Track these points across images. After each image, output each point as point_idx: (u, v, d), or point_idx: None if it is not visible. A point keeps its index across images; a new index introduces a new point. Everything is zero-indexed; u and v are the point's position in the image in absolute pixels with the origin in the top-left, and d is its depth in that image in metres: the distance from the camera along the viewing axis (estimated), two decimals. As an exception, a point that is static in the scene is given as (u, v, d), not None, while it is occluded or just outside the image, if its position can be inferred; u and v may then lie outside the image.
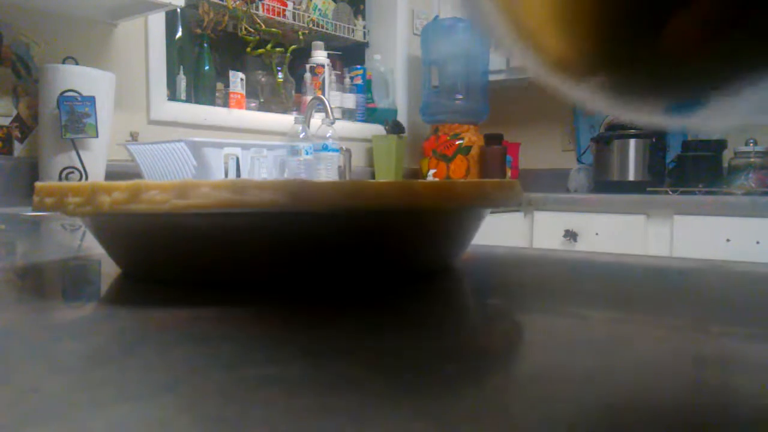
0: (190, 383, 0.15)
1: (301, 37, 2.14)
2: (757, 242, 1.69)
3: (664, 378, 0.16)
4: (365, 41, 2.47)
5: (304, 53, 2.16)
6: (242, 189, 0.26)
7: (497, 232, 1.93)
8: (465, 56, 2.22)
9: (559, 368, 0.17)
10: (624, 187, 2.14)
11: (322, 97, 1.88)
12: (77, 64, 1.40)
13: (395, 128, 2.28)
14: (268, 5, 2.02)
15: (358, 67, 2.35)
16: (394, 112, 2.46)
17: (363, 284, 0.30)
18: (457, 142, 2.26)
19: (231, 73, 1.91)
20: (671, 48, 0.15)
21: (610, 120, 2.26)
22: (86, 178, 1.34)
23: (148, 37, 1.69)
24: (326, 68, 2.14)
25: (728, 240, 1.74)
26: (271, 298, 0.27)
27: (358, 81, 2.35)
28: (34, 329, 0.21)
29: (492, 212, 0.45)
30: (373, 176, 2.32)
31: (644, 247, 1.88)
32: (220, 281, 0.30)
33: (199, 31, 1.89)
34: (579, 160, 2.52)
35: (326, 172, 1.70)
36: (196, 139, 1.25)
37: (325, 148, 1.72)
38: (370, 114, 2.39)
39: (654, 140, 2.11)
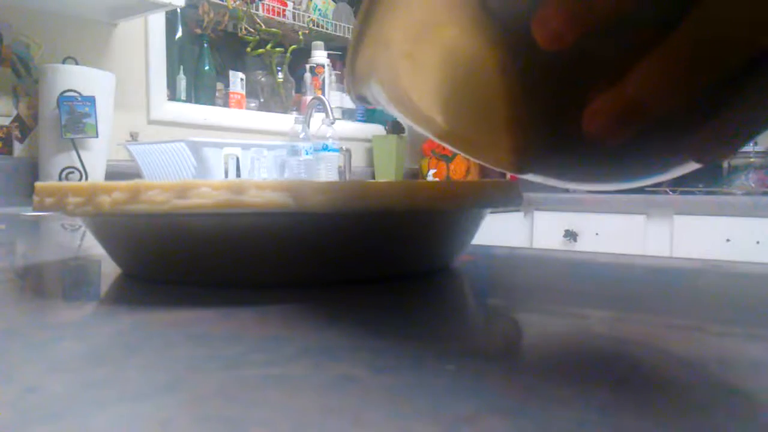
0: (191, 383, 0.15)
1: (301, 37, 2.13)
2: (757, 242, 1.69)
3: (664, 378, 0.16)
4: (365, 41, 2.47)
5: (304, 53, 2.16)
6: (242, 189, 0.26)
7: (497, 232, 1.93)
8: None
9: (558, 368, 0.17)
10: (624, 187, 2.14)
11: (322, 97, 1.88)
12: (77, 64, 1.40)
13: (395, 128, 2.28)
14: (268, 5, 2.02)
15: (358, 67, 2.35)
16: (394, 112, 2.45)
17: (363, 284, 0.30)
18: (457, 142, 2.25)
19: (231, 73, 1.91)
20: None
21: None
22: (86, 178, 1.34)
23: (148, 37, 1.69)
24: (326, 68, 2.14)
25: (728, 240, 1.74)
26: (271, 297, 0.27)
27: (358, 81, 2.34)
28: (34, 329, 0.21)
29: (492, 212, 0.45)
30: (373, 176, 2.32)
31: (644, 247, 1.88)
32: (220, 281, 0.30)
33: (199, 31, 1.89)
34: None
35: (326, 172, 1.70)
36: (196, 139, 1.25)
37: (325, 148, 1.72)
38: (370, 114, 2.39)
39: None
